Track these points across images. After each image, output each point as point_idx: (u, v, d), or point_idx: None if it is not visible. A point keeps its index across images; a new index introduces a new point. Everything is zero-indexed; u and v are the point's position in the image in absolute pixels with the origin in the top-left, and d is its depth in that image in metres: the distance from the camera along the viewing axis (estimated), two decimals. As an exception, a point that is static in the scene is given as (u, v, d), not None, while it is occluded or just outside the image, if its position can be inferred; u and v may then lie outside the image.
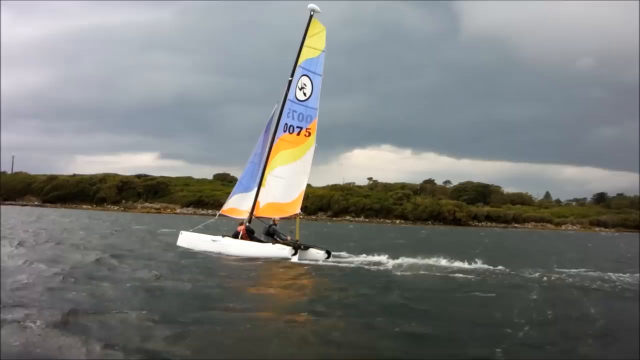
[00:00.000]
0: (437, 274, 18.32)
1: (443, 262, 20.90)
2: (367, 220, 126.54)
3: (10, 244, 20.90)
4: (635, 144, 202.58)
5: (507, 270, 19.83)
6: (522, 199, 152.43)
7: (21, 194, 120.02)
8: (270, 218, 24.23)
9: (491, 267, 20.41)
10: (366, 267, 20.01)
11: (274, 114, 24.84)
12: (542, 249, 40.79)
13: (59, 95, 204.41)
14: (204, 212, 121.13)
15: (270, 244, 22.85)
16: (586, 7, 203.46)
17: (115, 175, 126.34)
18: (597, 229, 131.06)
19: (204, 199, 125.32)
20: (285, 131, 24.62)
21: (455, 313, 11.39)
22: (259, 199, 24.52)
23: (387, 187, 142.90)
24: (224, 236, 23.89)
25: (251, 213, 24.50)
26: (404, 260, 21.14)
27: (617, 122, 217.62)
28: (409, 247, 32.01)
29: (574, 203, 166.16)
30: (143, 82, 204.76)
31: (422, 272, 18.53)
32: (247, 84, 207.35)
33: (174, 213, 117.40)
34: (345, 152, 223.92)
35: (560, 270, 20.99)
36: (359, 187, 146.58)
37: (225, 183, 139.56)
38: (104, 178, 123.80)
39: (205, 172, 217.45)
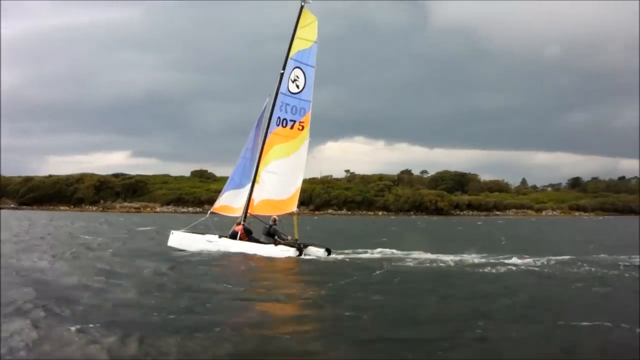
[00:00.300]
0: (512, 268, 17.40)
1: (514, 258, 19.80)
2: (349, 212, 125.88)
3: (40, 257, 18.94)
4: (605, 128, 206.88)
5: (579, 262, 18.97)
6: (499, 187, 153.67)
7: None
8: (268, 216, 23.19)
9: (555, 258, 19.66)
10: (428, 265, 18.88)
11: (265, 107, 23.95)
12: (564, 237, 40.52)
13: (29, 95, 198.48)
14: (184, 209, 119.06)
15: (272, 246, 21.81)
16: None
17: (92, 175, 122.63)
18: (576, 213, 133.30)
19: (184, 196, 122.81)
20: (278, 125, 23.75)
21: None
22: (253, 195, 23.50)
23: (365, 179, 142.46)
24: (220, 236, 22.70)
25: (245, 211, 23.39)
26: (464, 258, 20.13)
27: (585, 107, 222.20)
28: (431, 241, 30.83)
29: (549, 188, 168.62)
30: (114, 80, 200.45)
31: (497, 269, 17.46)
32: (218, 80, 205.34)
33: (154, 212, 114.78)
34: (319, 144, 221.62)
35: (620, 257, 20.34)
36: (337, 179, 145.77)
37: (204, 180, 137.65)
38: (81, 178, 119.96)
39: (179, 169, 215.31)
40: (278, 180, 23.62)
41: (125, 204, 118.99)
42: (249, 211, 23.46)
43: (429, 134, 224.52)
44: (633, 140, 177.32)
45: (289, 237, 22.37)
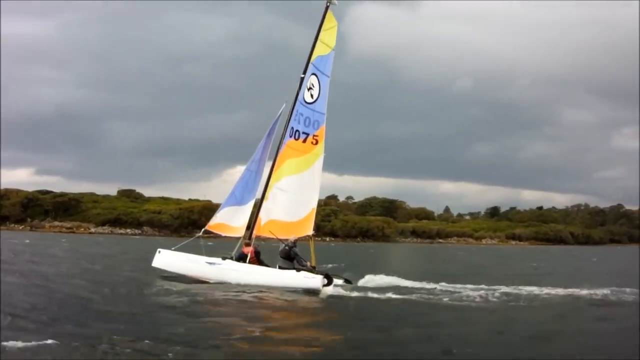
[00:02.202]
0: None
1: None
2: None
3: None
4: (509, 160, 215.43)
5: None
6: (426, 214, 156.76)
7: None
8: (274, 239, 21.04)
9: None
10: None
11: (280, 115, 21.78)
12: (575, 266, 40.03)
13: None
14: (122, 231, 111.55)
15: (293, 271, 19.23)
16: (465, 31, 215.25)
17: (18, 191, 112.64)
18: (513, 242, 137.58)
19: (121, 217, 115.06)
20: (291, 136, 21.65)
21: None
22: (260, 214, 21.19)
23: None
24: (224, 258, 20.12)
25: (251, 231, 21.00)
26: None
27: (491, 139, 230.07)
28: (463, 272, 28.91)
29: (468, 217, 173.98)
30: (23, 95, 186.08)
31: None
32: (131, 99, 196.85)
33: (89, 233, 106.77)
34: (228, 168, 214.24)
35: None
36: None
37: (133, 199, 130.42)
38: (5, 194, 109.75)
39: (85, 188, 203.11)
40: (288, 199, 21.34)
41: (56, 223, 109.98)
42: (254, 232, 20.94)
43: (338, 161, 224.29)
44: (535, 172, 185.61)
45: (308, 263, 19.82)
